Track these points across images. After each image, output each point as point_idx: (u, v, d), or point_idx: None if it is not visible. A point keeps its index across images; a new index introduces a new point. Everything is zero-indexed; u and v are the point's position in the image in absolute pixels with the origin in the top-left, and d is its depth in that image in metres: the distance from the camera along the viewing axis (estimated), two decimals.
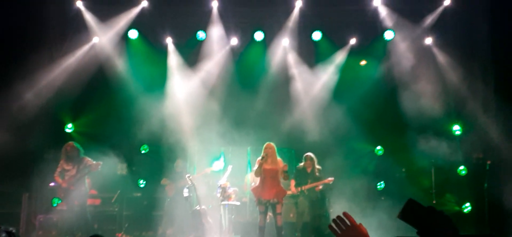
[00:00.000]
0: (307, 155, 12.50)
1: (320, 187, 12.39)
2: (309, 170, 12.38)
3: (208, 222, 11.69)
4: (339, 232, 2.60)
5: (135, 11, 14.50)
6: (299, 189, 12.32)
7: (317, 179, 12.35)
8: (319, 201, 12.42)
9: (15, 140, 12.83)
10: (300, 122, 14.52)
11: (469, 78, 13.89)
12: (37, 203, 13.94)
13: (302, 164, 12.53)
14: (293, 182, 12.47)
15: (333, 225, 2.64)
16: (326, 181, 12.39)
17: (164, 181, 13.53)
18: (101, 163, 11.24)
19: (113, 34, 14.61)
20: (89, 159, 11.36)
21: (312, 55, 15.17)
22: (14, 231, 8.94)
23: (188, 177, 11.58)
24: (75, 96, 14.39)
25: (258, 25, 14.90)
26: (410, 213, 2.51)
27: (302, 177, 12.44)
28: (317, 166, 12.43)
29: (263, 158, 10.50)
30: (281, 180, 10.67)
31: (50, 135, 14.51)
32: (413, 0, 14.42)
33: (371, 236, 9.31)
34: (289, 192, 12.14)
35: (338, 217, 2.64)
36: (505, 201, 12.36)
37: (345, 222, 2.62)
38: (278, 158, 10.67)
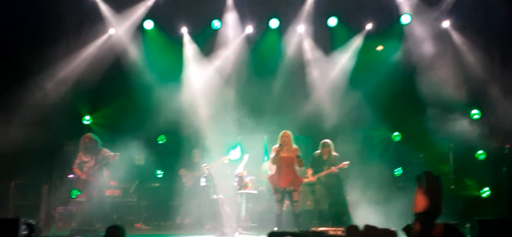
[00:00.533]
0: (324, 142, 12.40)
1: (336, 170, 12.26)
2: (325, 157, 12.29)
3: (225, 211, 11.72)
4: (422, 187, 2.52)
5: (150, 1, 14.55)
6: (316, 176, 12.26)
7: (334, 164, 12.26)
8: (336, 188, 12.34)
9: (34, 132, 12.96)
10: (316, 109, 14.45)
11: (487, 61, 13.70)
12: (56, 195, 14.08)
13: (318, 151, 12.45)
14: (310, 171, 12.41)
15: (422, 178, 2.55)
16: (341, 165, 12.29)
17: (181, 171, 13.60)
18: (118, 154, 11.32)
19: (129, 25, 14.72)
20: (107, 150, 11.43)
21: (328, 42, 15.07)
22: (34, 223, 9.10)
23: (205, 166, 11.61)
24: (92, 88, 14.50)
25: (273, 13, 14.86)
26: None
27: (318, 164, 12.36)
28: (334, 153, 12.32)
29: (280, 145, 10.47)
30: (297, 168, 10.63)
31: (68, 127, 14.67)
32: None
33: (389, 222, 9.29)
34: (306, 180, 12.11)
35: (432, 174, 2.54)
36: None
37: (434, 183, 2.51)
38: (294, 146, 10.62)
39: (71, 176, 13.02)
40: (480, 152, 13.76)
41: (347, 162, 12.31)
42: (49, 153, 14.11)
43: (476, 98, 13.86)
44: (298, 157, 10.44)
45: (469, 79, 13.92)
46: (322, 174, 12.17)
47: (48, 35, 14.06)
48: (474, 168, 13.72)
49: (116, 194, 13.78)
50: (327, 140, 12.40)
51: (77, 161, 11.42)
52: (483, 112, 13.83)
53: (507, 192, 12.46)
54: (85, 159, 11.34)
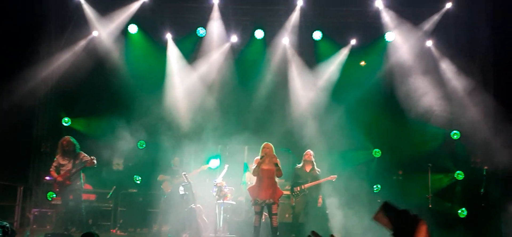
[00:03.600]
0: (306, 154, 12.32)
1: (320, 202, 12.26)
2: (308, 170, 12.20)
3: (203, 220, 11.65)
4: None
5: (135, 5, 14.47)
6: (299, 188, 12.14)
7: (317, 178, 12.19)
8: (315, 202, 12.27)
9: (11, 133, 12.78)
10: (298, 121, 14.46)
11: (468, 82, 13.83)
12: (32, 197, 13.93)
13: (301, 164, 12.35)
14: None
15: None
16: (329, 178, 12.27)
17: (160, 177, 13.43)
18: (95, 158, 11.11)
19: (113, 28, 14.57)
20: (85, 154, 11.25)
21: (312, 55, 15.14)
22: (8, 225, 8.93)
23: (184, 174, 11.52)
24: (73, 90, 14.33)
25: (259, 23, 14.88)
26: (385, 215, 2.46)
27: (301, 176, 12.22)
28: (317, 168, 12.25)
29: (261, 157, 10.41)
30: (277, 180, 10.57)
31: (46, 128, 14.50)
32: (415, 3, 14.31)
33: None
34: (286, 192, 12.08)
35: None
36: (501, 207, 12.31)
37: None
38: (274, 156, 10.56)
39: (47, 178, 12.83)
40: (458, 172, 13.87)
41: (335, 176, 12.29)
42: (26, 154, 13.93)
43: (456, 118, 13.96)
44: (276, 165, 10.35)
45: (449, 98, 14.05)
46: (306, 185, 12.06)
47: (30, 35, 13.90)
48: (452, 187, 13.84)
49: (93, 198, 13.63)
50: (309, 151, 12.30)
51: (55, 164, 11.20)
52: (462, 133, 13.93)
53: (483, 213, 12.55)
54: (62, 162, 11.12)
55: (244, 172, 13.22)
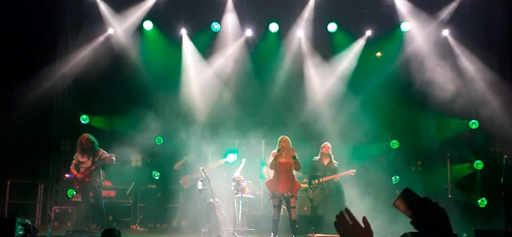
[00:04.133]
0: (323, 146, 12.30)
1: (338, 178, 12.24)
2: (325, 163, 12.19)
3: (222, 215, 11.68)
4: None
5: (150, 2, 14.51)
6: (316, 181, 12.14)
7: (335, 171, 12.17)
8: (334, 195, 12.28)
9: (31, 131, 12.91)
10: (315, 114, 14.41)
11: (486, 70, 13.70)
12: (52, 195, 14.08)
13: (318, 157, 12.35)
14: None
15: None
16: (348, 172, 12.23)
17: (176, 166, 13.40)
18: (114, 155, 11.22)
19: (128, 26, 14.66)
20: (104, 151, 11.35)
21: (328, 47, 15.06)
22: (30, 223, 9.05)
23: (202, 169, 11.56)
24: (90, 87, 14.46)
25: (273, 17, 14.83)
26: (405, 202, 2.46)
27: (318, 169, 12.23)
28: (334, 161, 12.24)
29: (278, 151, 10.40)
30: (295, 173, 10.57)
31: (65, 126, 14.62)
32: None
33: (385, 230, 9.21)
34: (304, 185, 12.07)
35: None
36: None
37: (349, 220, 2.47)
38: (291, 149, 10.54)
39: (67, 176, 12.96)
40: (477, 161, 13.78)
41: (354, 170, 12.23)
42: (46, 152, 14.07)
43: (475, 107, 13.84)
44: (294, 158, 10.32)
45: (467, 87, 13.92)
46: (324, 179, 12.05)
47: (47, 34, 14.01)
48: (471, 177, 13.75)
49: (112, 195, 13.75)
50: (327, 144, 12.28)
51: (74, 162, 11.32)
52: (481, 122, 13.82)
53: (503, 203, 12.44)
54: (82, 159, 11.25)
55: (261, 167, 13.25)
